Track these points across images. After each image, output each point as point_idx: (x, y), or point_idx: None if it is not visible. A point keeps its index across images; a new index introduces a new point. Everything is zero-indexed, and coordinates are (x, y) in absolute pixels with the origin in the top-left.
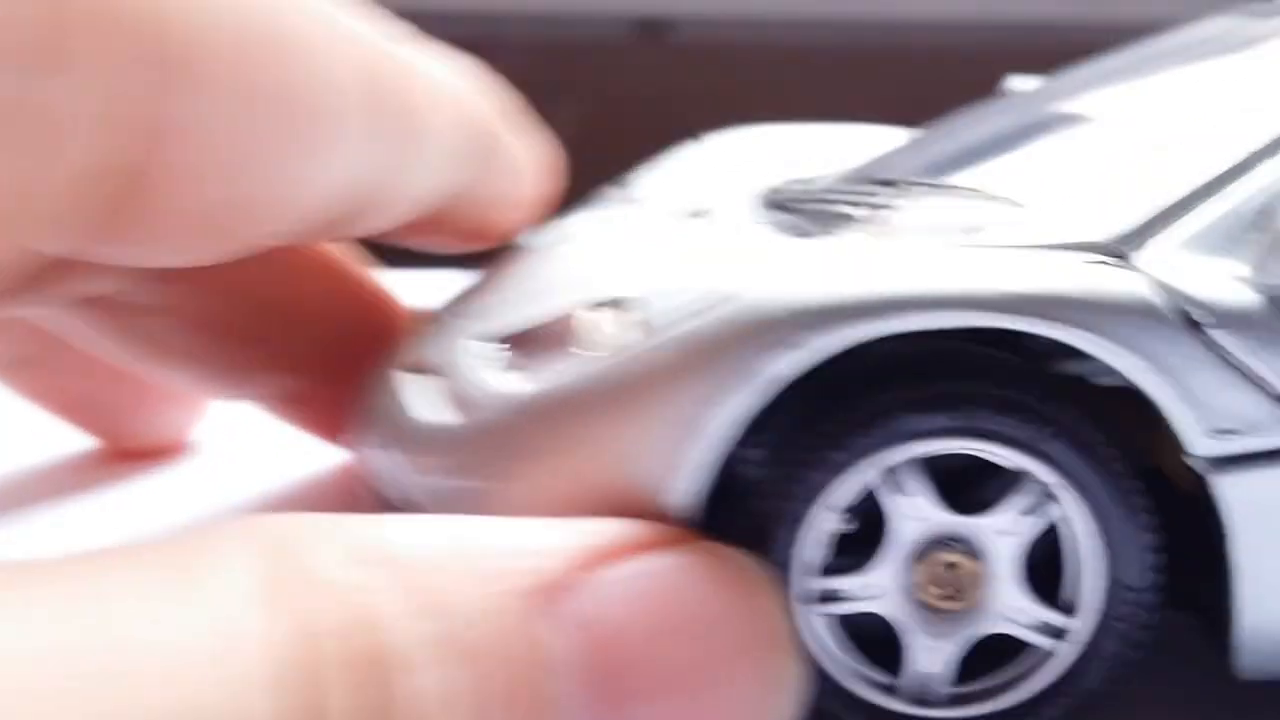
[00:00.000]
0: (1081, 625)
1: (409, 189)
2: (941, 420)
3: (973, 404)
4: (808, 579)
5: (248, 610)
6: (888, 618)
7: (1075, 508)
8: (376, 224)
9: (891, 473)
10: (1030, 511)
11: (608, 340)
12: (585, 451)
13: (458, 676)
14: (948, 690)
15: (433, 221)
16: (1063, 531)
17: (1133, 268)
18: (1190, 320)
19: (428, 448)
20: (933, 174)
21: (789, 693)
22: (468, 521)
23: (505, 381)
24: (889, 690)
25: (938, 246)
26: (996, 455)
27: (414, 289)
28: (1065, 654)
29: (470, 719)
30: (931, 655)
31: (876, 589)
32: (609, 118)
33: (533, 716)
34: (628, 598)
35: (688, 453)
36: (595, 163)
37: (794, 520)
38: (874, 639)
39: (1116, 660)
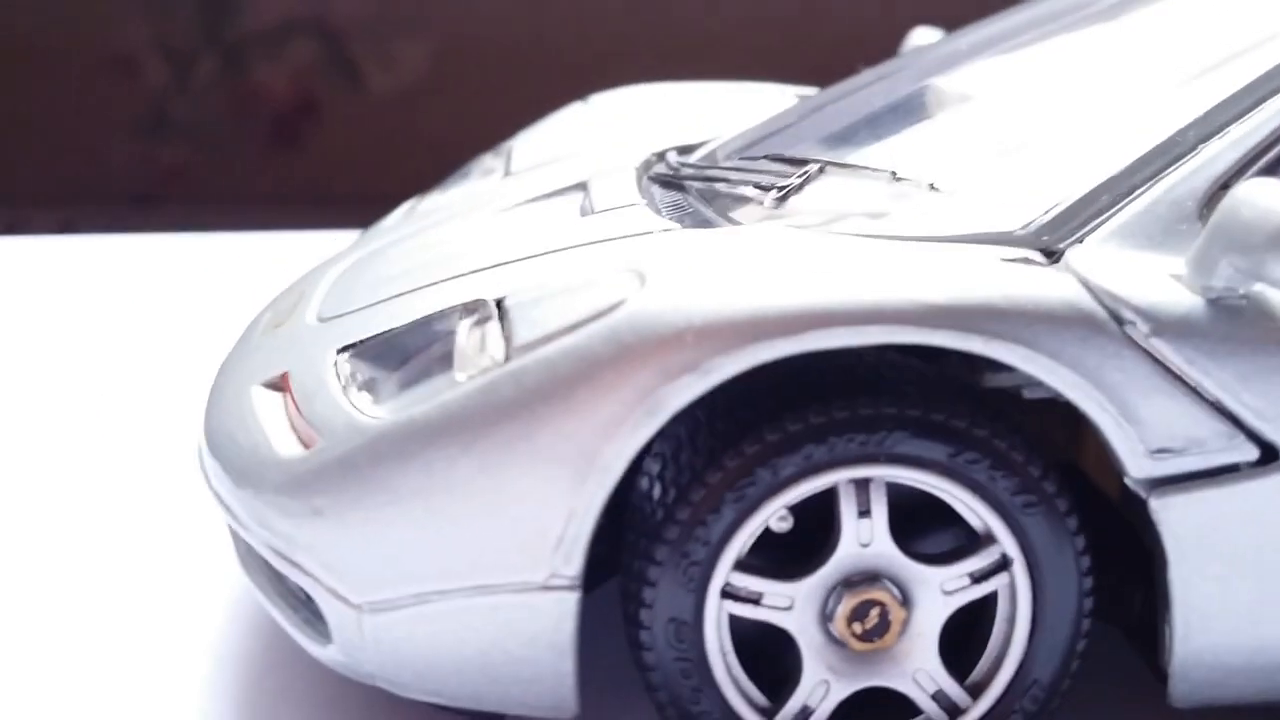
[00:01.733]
0: (978, 709)
1: None
2: (940, 450)
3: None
4: (728, 570)
5: None
6: (793, 635)
7: (1023, 585)
8: None
9: (862, 487)
10: (980, 579)
11: (474, 355)
12: (454, 494)
13: None
14: None
15: None
16: (1000, 607)
17: (1058, 267)
18: (1129, 329)
19: (278, 485)
20: (831, 149)
21: None
22: None
23: (361, 404)
24: (763, 713)
25: (847, 243)
26: (968, 511)
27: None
28: None
29: None
30: (823, 690)
31: (792, 602)
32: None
33: None
34: None
35: (579, 492)
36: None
37: (741, 509)
38: (764, 658)
39: None
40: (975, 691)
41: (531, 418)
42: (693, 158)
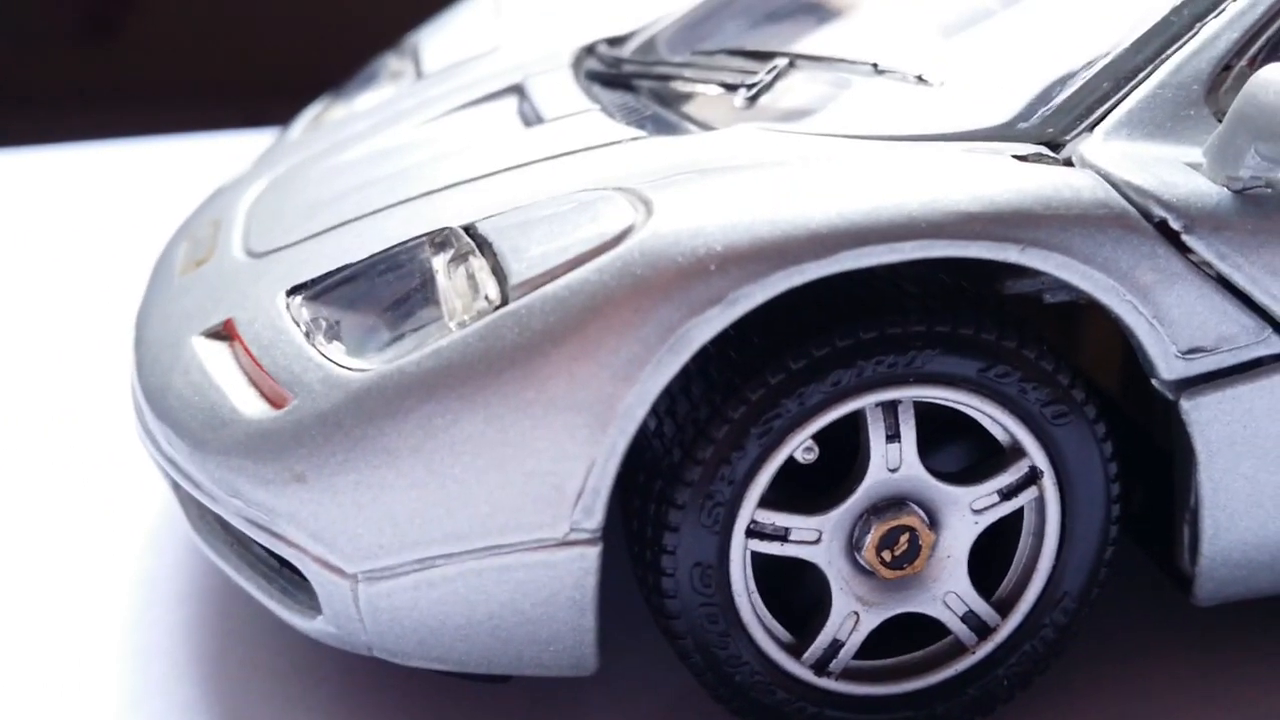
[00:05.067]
0: (1008, 626)
1: None
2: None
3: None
4: (754, 508)
5: None
6: (821, 568)
7: (1052, 497)
8: None
9: (889, 410)
10: (1009, 494)
11: (463, 297)
12: (458, 451)
13: None
14: (850, 662)
15: None
16: (1027, 521)
17: (1076, 163)
18: (1163, 226)
19: (248, 449)
20: (791, 36)
21: None
22: None
23: (334, 355)
24: (791, 651)
25: (852, 150)
26: (996, 426)
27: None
28: (981, 650)
29: None
30: (852, 622)
31: (820, 535)
32: None
33: None
34: None
35: (599, 441)
36: None
37: (767, 443)
38: (787, 596)
39: (1028, 661)
40: (1004, 608)
41: (542, 363)
42: (628, 51)
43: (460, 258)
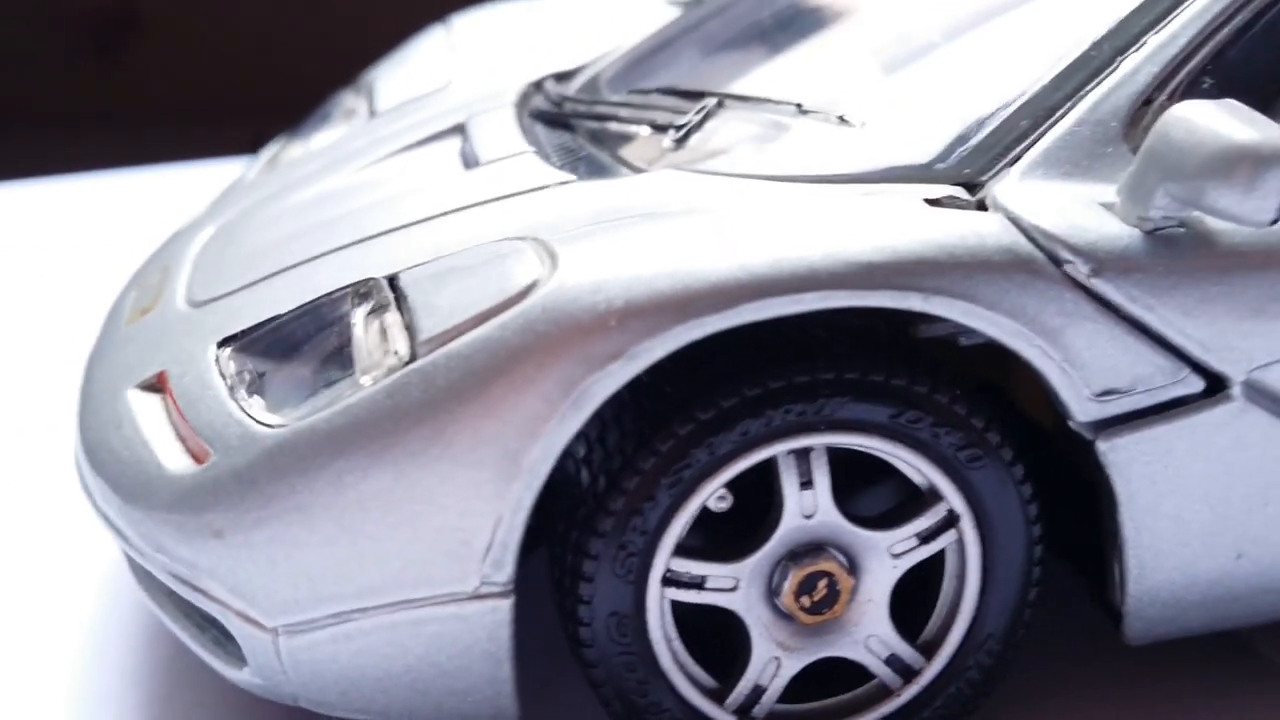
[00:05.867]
0: (933, 669)
1: None
2: (881, 413)
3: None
4: (668, 557)
5: None
6: (740, 615)
7: (972, 539)
8: None
9: (802, 457)
10: (928, 538)
11: (376, 352)
12: (367, 508)
13: None
14: (774, 707)
15: None
16: (949, 564)
17: (987, 205)
18: (1069, 270)
19: (170, 504)
20: (723, 75)
21: None
22: None
23: (254, 410)
24: (714, 696)
25: (765, 194)
26: (912, 470)
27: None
28: (906, 694)
29: None
30: (774, 668)
31: (737, 582)
32: None
33: None
34: None
35: (505, 496)
36: None
37: (677, 493)
38: (713, 639)
39: (954, 704)
40: (928, 651)
41: (447, 420)
42: (574, 88)
43: (378, 310)
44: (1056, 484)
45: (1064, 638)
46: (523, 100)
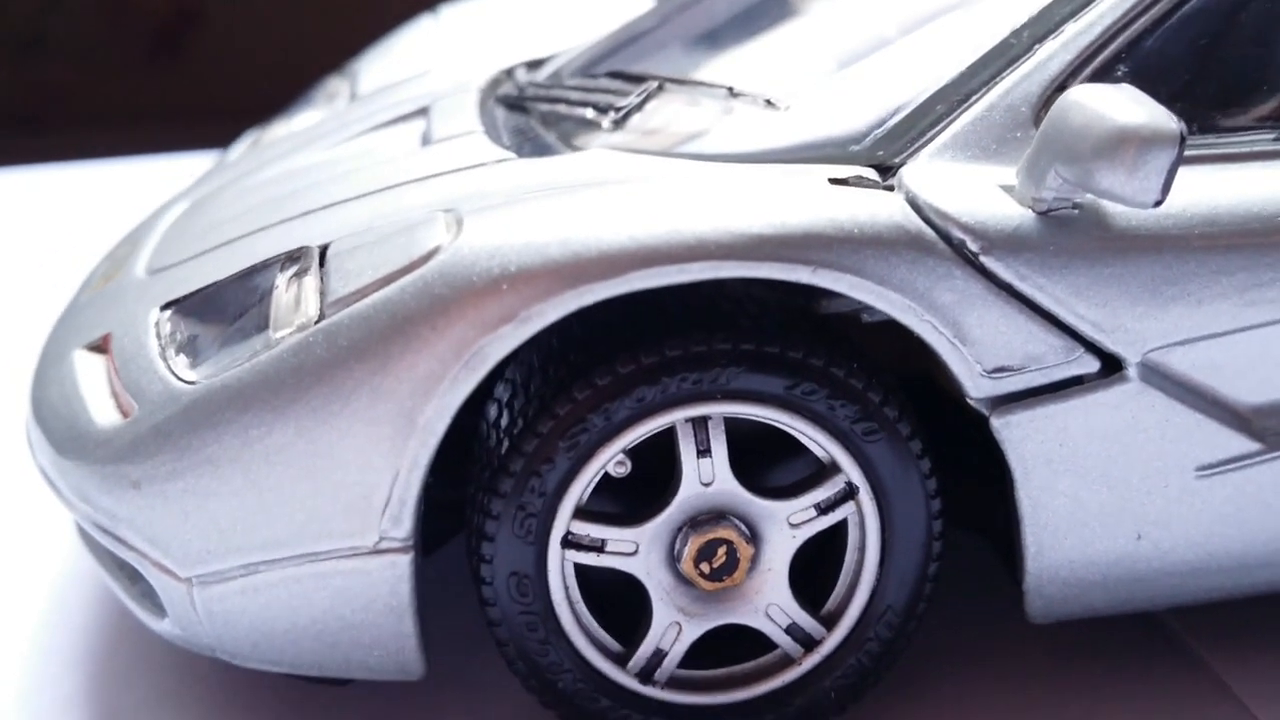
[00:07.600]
0: (834, 639)
1: None
2: (776, 384)
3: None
4: (569, 520)
5: None
6: (641, 579)
7: (871, 512)
8: None
9: (700, 426)
10: (827, 509)
11: (289, 312)
12: (272, 461)
13: None
14: (675, 672)
15: None
16: (850, 535)
17: (887, 185)
18: (960, 248)
19: (96, 457)
20: (676, 63)
21: None
22: None
23: (178, 368)
24: (617, 659)
25: (672, 170)
26: (811, 441)
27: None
28: (807, 663)
29: None
30: (674, 632)
31: (637, 546)
32: None
33: None
34: None
35: (402, 453)
36: None
37: (575, 457)
38: (616, 604)
39: (855, 674)
40: (829, 622)
41: (347, 378)
42: (540, 75)
43: (300, 275)
44: (978, 463)
45: (974, 615)
46: (492, 85)
